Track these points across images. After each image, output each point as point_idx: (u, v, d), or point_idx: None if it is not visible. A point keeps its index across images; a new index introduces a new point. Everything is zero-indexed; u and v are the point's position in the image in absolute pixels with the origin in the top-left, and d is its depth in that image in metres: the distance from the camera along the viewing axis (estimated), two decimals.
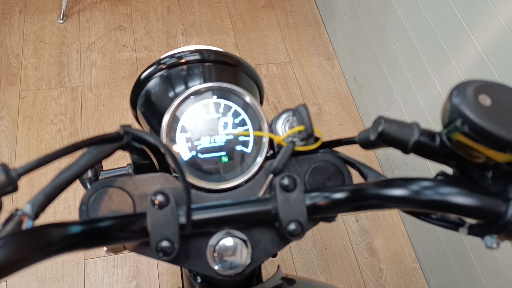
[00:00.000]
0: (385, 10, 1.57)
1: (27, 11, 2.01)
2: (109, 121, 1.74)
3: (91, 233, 0.37)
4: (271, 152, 0.49)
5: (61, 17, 1.97)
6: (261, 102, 0.72)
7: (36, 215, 0.35)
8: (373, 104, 1.74)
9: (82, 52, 1.91)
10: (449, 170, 0.39)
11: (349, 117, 1.85)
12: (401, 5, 1.47)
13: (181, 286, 0.75)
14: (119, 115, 1.75)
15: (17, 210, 0.34)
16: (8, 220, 0.33)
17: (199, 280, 0.54)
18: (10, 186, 0.32)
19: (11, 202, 1.44)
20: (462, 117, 0.32)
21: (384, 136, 0.37)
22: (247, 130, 0.48)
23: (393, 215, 1.62)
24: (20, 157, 1.61)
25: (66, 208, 1.51)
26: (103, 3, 2.08)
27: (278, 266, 0.56)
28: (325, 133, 1.79)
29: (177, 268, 1.40)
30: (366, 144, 0.41)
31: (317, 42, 2.07)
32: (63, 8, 1.96)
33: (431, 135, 0.37)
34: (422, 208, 0.37)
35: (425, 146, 0.37)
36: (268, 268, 1.21)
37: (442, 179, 0.38)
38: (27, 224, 0.34)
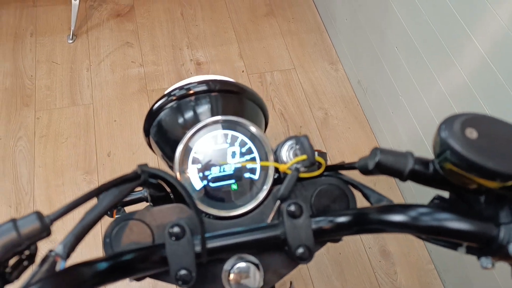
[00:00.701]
0: (385, 14, 1.59)
1: (38, 33, 2.06)
2: (121, 136, 1.78)
3: (117, 267, 0.41)
4: (277, 175, 0.52)
5: (71, 37, 2.03)
6: (266, 124, 0.75)
7: (67, 255, 0.38)
8: (379, 107, 1.76)
9: (92, 70, 1.96)
10: (445, 194, 0.42)
11: (356, 121, 1.87)
12: (401, 9, 1.49)
13: None
14: (131, 130, 1.80)
15: (50, 251, 0.38)
16: (43, 261, 0.37)
17: None
18: (45, 232, 0.36)
19: None
20: (450, 149, 0.35)
21: (381, 166, 0.40)
22: (254, 158, 0.52)
23: None
24: (38, 176, 1.67)
25: None
26: (110, 21, 2.13)
27: (291, 283, 0.59)
28: (332, 138, 1.81)
29: None
30: (365, 171, 0.44)
31: (320, 47, 2.09)
32: (72, 28, 2.01)
33: (425, 163, 0.40)
34: (420, 233, 0.40)
35: (420, 174, 0.40)
36: (280, 286, 1.24)
37: (438, 204, 0.41)
38: (60, 264, 0.37)
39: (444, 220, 0.38)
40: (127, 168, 1.71)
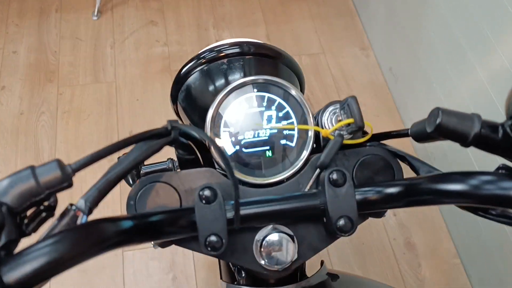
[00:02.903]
0: None
1: (63, 9, 2.05)
2: (143, 115, 1.76)
3: (142, 228, 0.37)
4: (314, 145, 0.48)
5: (95, 14, 2.01)
6: (302, 93, 0.70)
7: (90, 210, 0.35)
8: (410, 95, 1.69)
9: (116, 48, 1.94)
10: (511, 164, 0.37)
11: (385, 108, 1.81)
12: None
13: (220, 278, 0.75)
14: (153, 110, 1.77)
15: (71, 205, 0.34)
16: (63, 215, 0.34)
17: (243, 274, 0.54)
18: (66, 182, 0.32)
19: None
20: None
21: (442, 128, 0.36)
22: (292, 123, 0.48)
23: (432, 209, 1.58)
24: (60, 151, 1.66)
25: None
26: None
27: (322, 262, 0.55)
28: None
29: (213, 260, 1.41)
30: (421, 137, 0.39)
31: (351, 32, 2.03)
32: (97, 5, 1.99)
33: (493, 127, 0.35)
34: (482, 203, 0.35)
35: (487, 138, 0.35)
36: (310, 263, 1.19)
37: (504, 173, 0.36)
38: (81, 219, 0.34)
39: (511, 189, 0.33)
40: None
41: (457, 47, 1.35)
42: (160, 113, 1.76)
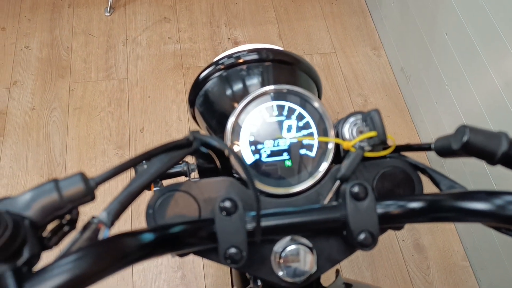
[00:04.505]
0: None
1: (76, 4, 2.06)
2: (155, 112, 1.76)
3: (163, 240, 0.37)
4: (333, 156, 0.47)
5: (108, 10, 2.01)
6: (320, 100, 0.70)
7: (111, 223, 0.35)
8: (422, 96, 1.68)
9: (129, 45, 1.94)
10: None
11: (396, 109, 1.79)
12: None
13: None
14: (165, 107, 1.78)
15: (93, 218, 0.34)
16: (85, 228, 0.34)
17: (259, 283, 0.54)
18: (89, 196, 0.32)
19: None
20: None
21: (469, 146, 0.35)
22: (312, 133, 0.47)
23: None
24: (71, 147, 1.67)
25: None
26: None
27: (337, 271, 0.55)
28: None
29: None
30: (445, 152, 0.39)
31: (363, 31, 2.01)
32: (110, 1, 1.99)
33: None
34: (507, 223, 0.35)
35: None
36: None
37: None
38: (103, 233, 0.34)
39: None
40: None
41: (471, 49, 1.34)
42: (172, 110, 1.77)
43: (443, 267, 1.48)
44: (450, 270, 1.48)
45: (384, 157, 0.46)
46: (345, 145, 0.45)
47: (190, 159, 0.71)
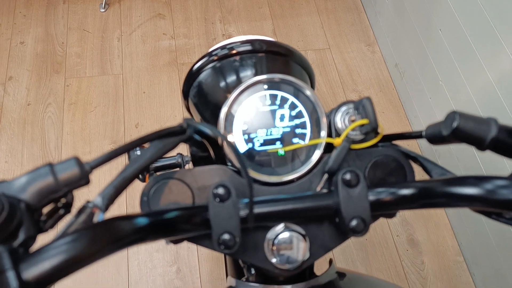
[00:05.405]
0: None
1: (71, 0, 2.05)
2: (150, 108, 1.76)
3: (157, 225, 0.38)
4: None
5: (103, 5, 2.01)
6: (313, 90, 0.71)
7: (106, 207, 0.35)
8: (416, 92, 1.69)
9: (123, 40, 1.94)
10: None
11: (390, 105, 1.80)
12: None
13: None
14: (159, 102, 1.78)
15: (88, 202, 0.35)
16: (80, 212, 0.34)
17: (252, 271, 0.55)
18: (84, 180, 0.33)
19: None
20: None
21: (459, 132, 0.36)
22: (304, 122, 0.48)
23: None
24: (66, 142, 1.67)
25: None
26: None
27: (331, 260, 0.55)
28: None
29: (217, 254, 1.42)
30: (436, 139, 0.39)
31: (357, 27, 2.02)
32: None
33: (510, 131, 0.35)
34: (496, 208, 0.35)
35: (504, 143, 0.35)
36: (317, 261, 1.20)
37: None
38: (98, 216, 0.34)
39: None
40: None
41: (466, 45, 1.34)
42: (167, 105, 1.77)
43: (437, 262, 1.49)
44: (444, 265, 1.49)
45: (376, 145, 0.46)
46: (335, 142, 0.45)
47: (185, 151, 0.71)
